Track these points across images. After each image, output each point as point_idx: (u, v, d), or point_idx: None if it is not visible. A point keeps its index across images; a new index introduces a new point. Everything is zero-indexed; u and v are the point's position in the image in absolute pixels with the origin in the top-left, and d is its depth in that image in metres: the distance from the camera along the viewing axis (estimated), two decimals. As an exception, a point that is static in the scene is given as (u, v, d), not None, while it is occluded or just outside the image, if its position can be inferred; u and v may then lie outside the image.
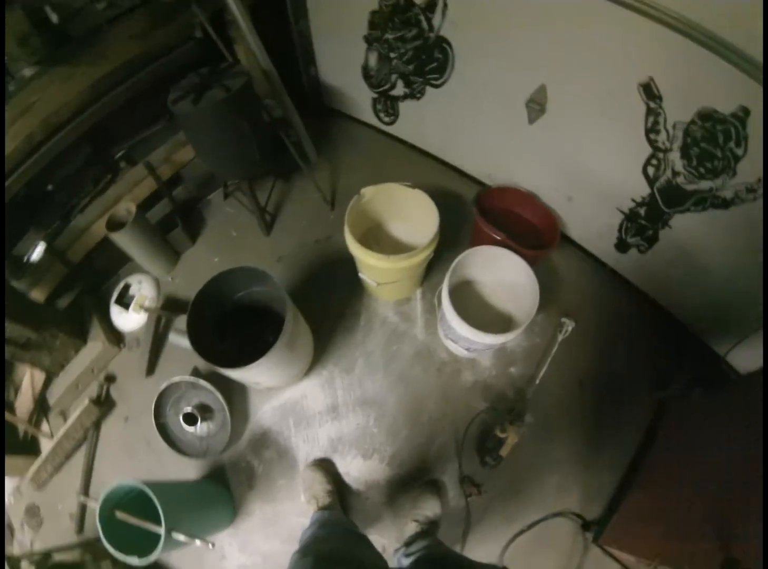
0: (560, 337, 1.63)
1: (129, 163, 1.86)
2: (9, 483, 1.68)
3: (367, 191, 1.50)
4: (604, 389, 1.61)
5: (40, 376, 1.73)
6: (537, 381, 1.58)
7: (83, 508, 1.59)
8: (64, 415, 1.73)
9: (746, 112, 1.12)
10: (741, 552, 0.86)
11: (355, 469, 1.52)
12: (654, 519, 1.27)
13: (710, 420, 1.34)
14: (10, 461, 1.61)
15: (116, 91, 1.59)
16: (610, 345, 1.69)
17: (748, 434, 1.08)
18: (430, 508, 1.37)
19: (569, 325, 1.64)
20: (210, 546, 1.21)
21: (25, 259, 1.70)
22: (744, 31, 1.02)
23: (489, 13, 1.44)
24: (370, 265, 1.42)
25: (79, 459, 1.66)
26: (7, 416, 1.61)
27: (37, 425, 1.71)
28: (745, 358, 1.52)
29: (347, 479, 1.51)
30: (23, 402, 1.71)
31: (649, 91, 1.26)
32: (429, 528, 1.34)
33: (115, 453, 1.67)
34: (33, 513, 1.64)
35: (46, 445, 1.65)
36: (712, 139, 1.22)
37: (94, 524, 1.55)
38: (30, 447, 1.69)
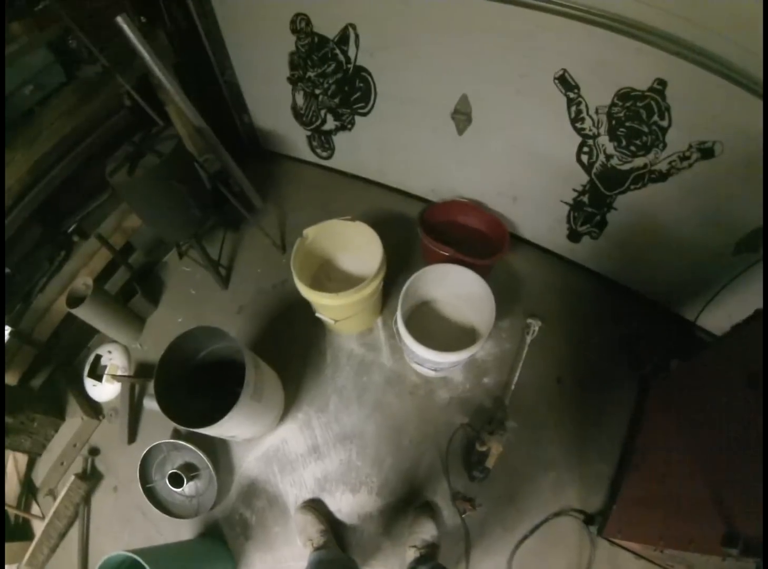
0: (528, 338, 1.63)
1: (81, 236, 1.88)
2: None
3: (310, 231, 1.52)
4: (583, 380, 1.62)
5: (23, 459, 1.72)
6: (513, 387, 1.58)
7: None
8: (53, 494, 1.72)
9: (663, 83, 1.16)
10: (742, 523, 0.86)
11: (346, 505, 1.51)
12: (653, 502, 1.26)
13: (693, 389, 1.33)
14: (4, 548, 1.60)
15: (56, 170, 1.62)
16: (581, 335, 1.70)
17: (733, 392, 1.06)
18: (426, 531, 1.36)
19: (535, 325, 1.65)
20: None
21: (-8, 345, 1.71)
22: (644, 5, 1.05)
23: (398, 36, 1.49)
24: (324, 304, 1.43)
25: (73, 536, 1.65)
26: None
27: (27, 508, 1.70)
28: (717, 318, 1.54)
29: (339, 515, 1.50)
30: (10, 488, 1.70)
31: (565, 82, 1.30)
32: (429, 552, 1.33)
33: (109, 525, 1.66)
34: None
35: (39, 527, 1.64)
36: (636, 116, 1.26)
37: None
38: (23, 532, 1.68)
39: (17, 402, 1.65)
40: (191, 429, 1.28)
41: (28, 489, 1.74)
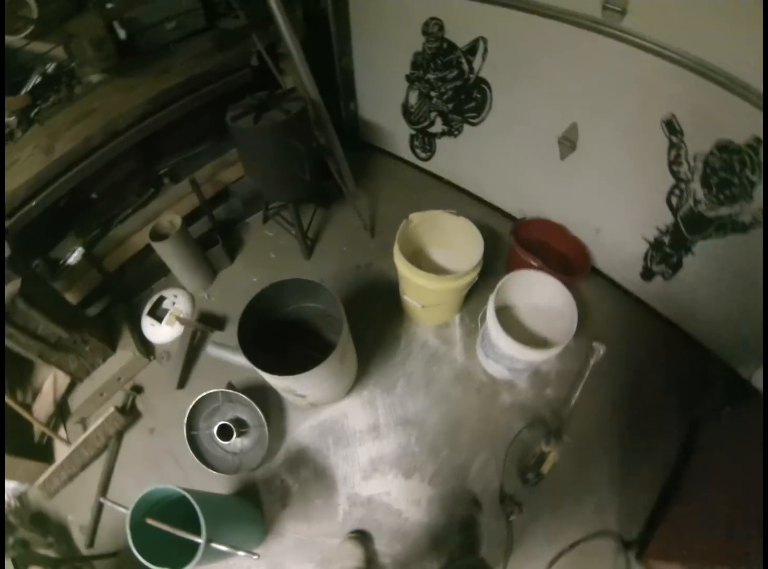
0: (592, 361, 1.68)
1: (172, 179, 1.91)
2: (17, 488, 1.58)
3: (415, 217, 1.57)
4: (637, 411, 1.66)
5: (63, 380, 1.67)
6: (572, 403, 1.62)
7: (97, 520, 1.51)
8: (84, 424, 1.67)
9: (759, 141, 1.24)
10: None
11: (396, 488, 1.50)
12: (698, 527, 1.28)
13: (740, 437, 1.38)
14: (21, 464, 1.53)
15: (174, 106, 1.66)
16: (639, 369, 1.75)
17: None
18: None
19: (600, 349, 1.70)
20: (255, 557, 1.15)
21: (62, 261, 1.70)
22: (752, 69, 1.15)
23: (525, 57, 1.59)
24: (418, 285, 1.47)
25: (95, 469, 1.60)
26: (24, 414, 1.54)
27: (55, 430, 1.63)
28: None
29: (386, 498, 1.49)
30: (42, 405, 1.65)
31: (671, 126, 1.39)
32: None
33: (137, 465, 1.61)
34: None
35: (61, 452, 1.58)
36: (729, 168, 1.33)
37: (106, 538, 1.50)
38: (44, 453, 1.62)
39: (75, 321, 1.61)
40: (268, 379, 1.27)
41: (60, 413, 1.69)
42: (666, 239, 1.65)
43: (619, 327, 1.84)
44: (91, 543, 1.50)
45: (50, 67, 1.57)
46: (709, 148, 1.35)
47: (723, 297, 1.63)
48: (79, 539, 1.50)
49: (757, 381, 1.65)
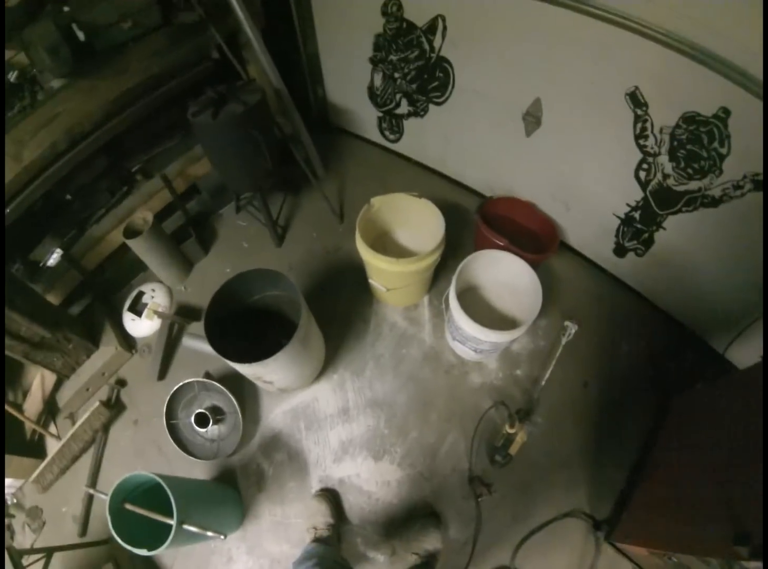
0: (564, 340, 1.67)
1: (145, 175, 1.93)
2: (13, 484, 1.67)
3: (376, 200, 1.57)
4: (609, 388, 1.66)
5: (50, 378, 1.75)
6: (543, 383, 1.62)
7: (88, 510, 1.59)
8: (72, 418, 1.74)
9: (727, 112, 1.20)
10: (753, 528, 0.87)
11: (366, 470, 1.53)
12: (664, 509, 1.28)
13: (712, 413, 1.36)
14: (15, 461, 1.62)
15: (137, 105, 1.68)
16: (612, 346, 1.74)
17: (750, 416, 1.10)
18: (431, 542, 1.36)
19: (572, 328, 1.69)
20: (222, 538, 1.21)
21: (42, 263, 1.75)
22: (720, 38, 1.11)
23: (485, 32, 1.56)
24: (381, 269, 1.48)
25: (85, 462, 1.67)
26: (16, 414, 1.62)
27: (45, 427, 1.72)
28: (742, 354, 1.58)
29: (356, 480, 1.53)
30: (32, 404, 1.73)
31: (635, 99, 1.36)
32: (428, 562, 1.34)
33: (123, 456, 1.68)
34: (35, 515, 1.64)
35: (52, 447, 1.66)
36: (697, 140, 1.31)
37: (98, 527, 1.58)
38: (36, 449, 1.71)
39: (57, 320, 1.67)
40: (235, 367, 1.31)
41: (50, 410, 1.77)
42: (637, 215, 1.62)
43: (593, 303, 1.82)
44: (84, 532, 1.58)
45: (12, 75, 1.60)
46: (676, 121, 1.32)
47: (696, 272, 1.60)
48: (73, 529, 1.58)
49: (733, 355, 1.63)
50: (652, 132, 1.40)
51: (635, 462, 1.53)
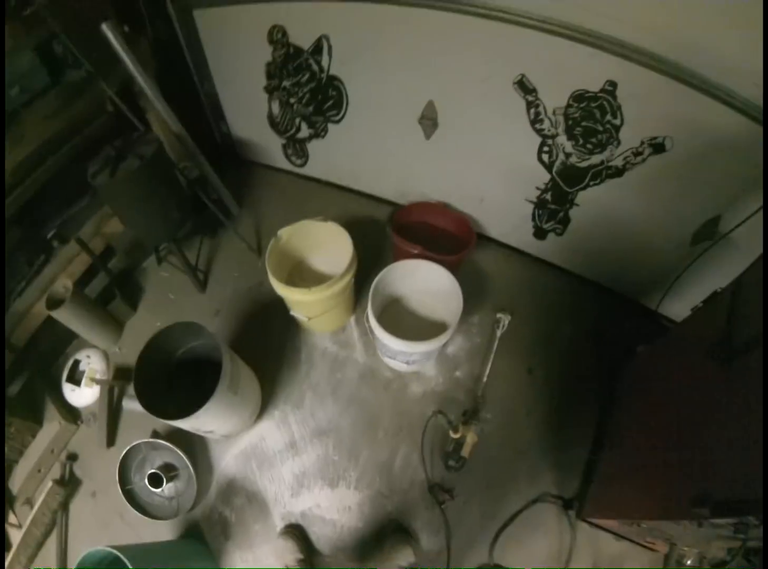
0: (499, 332, 1.69)
1: (61, 241, 1.90)
2: None
3: (284, 232, 1.57)
4: (554, 370, 1.68)
5: (-1, 467, 1.71)
6: (485, 379, 1.64)
7: (61, 595, 1.56)
8: (30, 503, 1.70)
9: (614, 84, 1.24)
10: (710, 486, 0.87)
11: (324, 500, 1.53)
12: (627, 478, 1.29)
13: (659, 368, 1.39)
14: (-22, 560, 1.58)
15: (38, 172, 1.65)
16: (550, 328, 1.77)
17: (695, 366, 1.12)
18: (404, 558, 1.35)
19: (505, 319, 1.71)
20: None
21: (-33, 351, 1.71)
22: (594, 14, 1.15)
23: (366, 45, 1.58)
24: (297, 300, 1.48)
25: (51, 545, 1.63)
26: None
27: (4, 517, 1.68)
28: (678, 307, 1.63)
29: (317, 511, 1.52)
30: (-15, 498, 1.69)
31: (523, 86, 1.39)
32: None
33: (88, 530, 1.64)
34: (9, 609, 1.60)
35: (15, 537, 1.62)
36: (590, 116, 1.35)
37: None
38: (-2, 544, 1.66)
39: (-7, 408, 1.64)
40: (171, 424, 1.30)
41: (6, 498, 1.73)
42: (548, 196, 1.65)
43: (524, 290, 1.84)
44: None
45: None
46: (567, 101, 1.36)
47: (616, 240, 1.65)
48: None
49: (668, 310, 1.66)
50: (546, 115, 1.43)
51: (594, 436, 1.55)
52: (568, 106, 1.37)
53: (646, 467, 1.22)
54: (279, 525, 1.53)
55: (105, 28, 1.53)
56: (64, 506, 1.68)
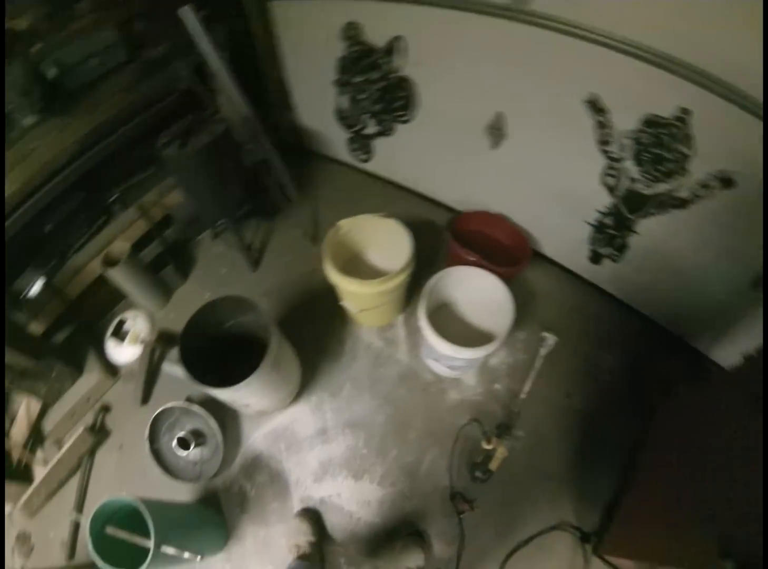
0: (543, 351, 1.67)
1: (122, 205, 1.96)
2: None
3: (344, 223, 1.59)
4: (592, 398, 1.64)
5: (36, 405, 1.77)
6: (523, 396, 1.61)
7: (75, 533, 1.60)
8: (58, 444, 1.76)
9: (687, 112, 1.21)
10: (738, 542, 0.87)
11: (346, 490, 1.53)
12: (651, 521, 1.27)
13: (698, 416, 1.34)
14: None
15: (109, 139, 1.71)
16: (594, 355, 1.73)
17: (737, 416, 1.09)
18: (413, 561, 1.36)
19: (551, 339, 1.68)
20: (198, 558, 1.22)
21: (24, 294, 1.78)
22: (673, 37, 1.12)
23: (441, 51, 1.58)
24: (350, 291, 1.49)
25: (72, 486, 1.68)
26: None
27: (32, 453, 1.74)
28: (729, 353, 1.56)
29: (337, 500, 1.52)
30: (18, 431, 1.74)
31: (594, 106, 1.37)
32: None
33: (109, 480, 1.69)
34: (24, 540, 1.65)
35: (39, 473, 1.67)
36: (660, 143, 1.31)
37: (86, 550, 1.59)
38: (23, 475, 1.71)
39: (40, 349, 1.70)
40: (210, 393, 1.33)
41: (36, 436, 1.78)
42: (608, 221, 1.62)
43: (572, 312, 1.81)
44: (72, 556, 1.60)
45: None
46: (637, 125, 1.32)
47: (673, 275, 1.60)
48: (61, 553, 1.59)
49: (716, 355, 1.61)
50: (614, 137, 1.40)
51: (622, 472, 1.51)
52: (639, 130, 1.33)
53: (671, 512, 1.19)
54: (297, 507, 1.54)
55: (185, 11, 1.58)
56: (92, 453, 1.74)
